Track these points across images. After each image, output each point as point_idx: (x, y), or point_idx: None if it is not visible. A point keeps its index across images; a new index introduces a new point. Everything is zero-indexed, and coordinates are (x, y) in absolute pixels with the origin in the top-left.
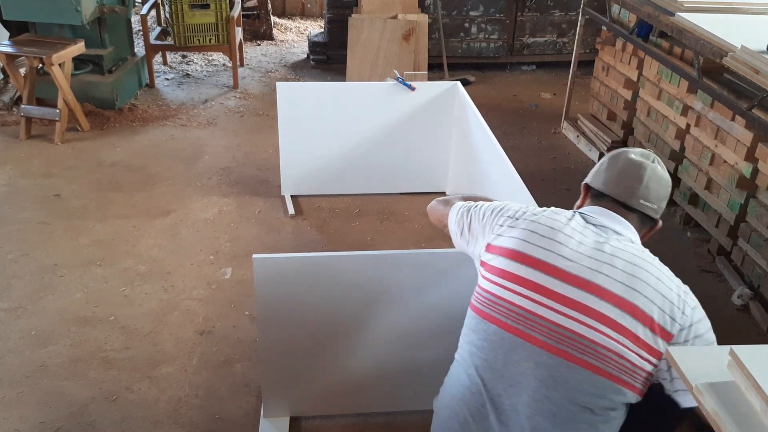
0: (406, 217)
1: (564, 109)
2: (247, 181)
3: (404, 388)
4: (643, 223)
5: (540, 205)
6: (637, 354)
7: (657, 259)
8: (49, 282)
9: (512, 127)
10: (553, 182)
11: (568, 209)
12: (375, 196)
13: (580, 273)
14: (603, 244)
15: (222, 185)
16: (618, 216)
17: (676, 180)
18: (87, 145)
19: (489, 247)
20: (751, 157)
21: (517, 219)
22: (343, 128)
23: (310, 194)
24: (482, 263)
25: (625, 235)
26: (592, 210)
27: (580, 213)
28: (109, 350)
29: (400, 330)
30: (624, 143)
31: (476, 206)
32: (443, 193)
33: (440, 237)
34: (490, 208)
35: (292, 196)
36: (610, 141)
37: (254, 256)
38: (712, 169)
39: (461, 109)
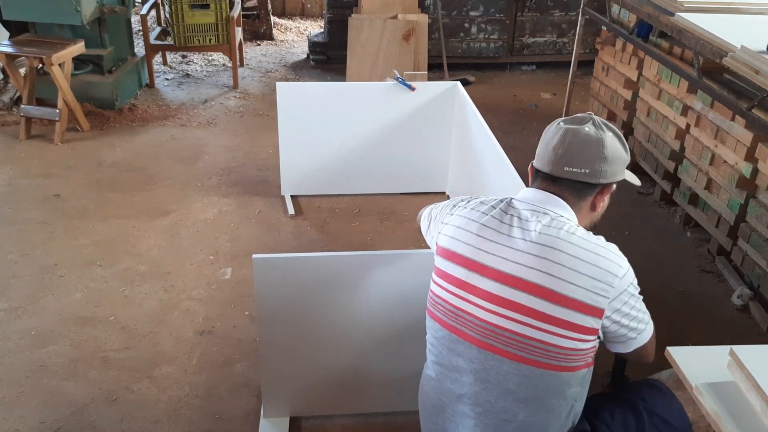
0: (406, 217)
1: (564, 109)
2: (247, 181)
3: (404, 388)
4: (582, 192)
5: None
6: (569, 338)
7: (579, 232)
8: (49, 282)
9: (512, 127)
10: None
11: None
12: (375, 196)
13: (499, 266)
14: (525, 232)
15: (222, 185)
16: (546, 193)
17: (675, 180)
18: (87, 145)
19: (437, 247)
20: (751, 157)
21: (451, 215)
22: (343, 128)
23: (310, 194)
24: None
25: (555, 213)
26: (523, 194)
27: (508, 200)
28: (109, 350)
29: (400, 330)
30: None
31: (435, 206)
32: (443, 194)
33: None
34: (441, 206)
35: (292, 196)
36: None
37: (254, 256)
38: (712, 169)
39: (461, 109)
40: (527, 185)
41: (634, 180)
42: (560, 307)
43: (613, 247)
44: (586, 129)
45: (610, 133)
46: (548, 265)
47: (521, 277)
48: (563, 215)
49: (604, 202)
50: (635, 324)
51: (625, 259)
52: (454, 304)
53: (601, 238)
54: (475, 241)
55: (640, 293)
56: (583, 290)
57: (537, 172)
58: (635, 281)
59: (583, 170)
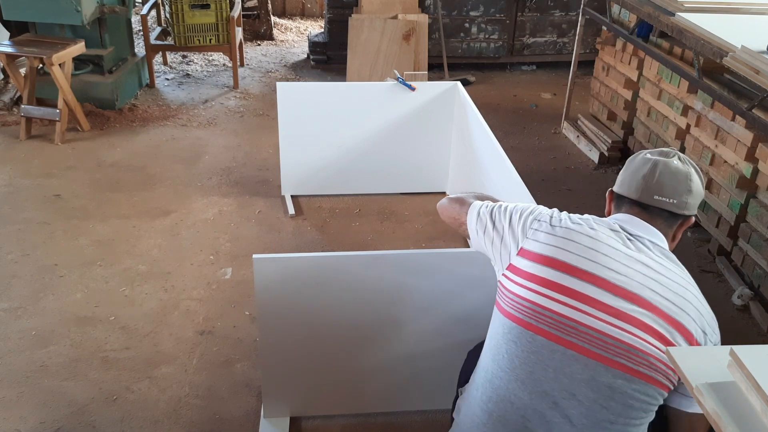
0: (406, 217)
1: (564, 109)
2: (248, 181)
3: (404, 388)
4: (669, 221)
5: (540, 205)
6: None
7: (681, 267)
8: (49, 282)
9: (512, 127)
10: (554, 182)
11: (569, 208)
12: (375, 196)
13: (628, 286)
14: (646, 258)
15: (222, 185)
16: (643, 222)
17: None
18: (87, 145)
19: (523, 252)
20: (751, 157)
21: (553, 226)
22: (343, 128)
23: (310, 194)
24: (513, 268)
25: (656, 243)
26: (620, 218)
27: (614, 222)
28: (109, 350)
29: (400, 330)
30: (624, 143)
31: (500, 207)
32: (443, 194)
33: (440, 237)
34: (519, 210)
35: (292, 196)
36: (610, 141)
37: (254, 256)
38: (712, 169)
39: (461, 109)
40: (527, 186)
41: (698, 217)
42: (681, 338)
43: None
44: (675, 162)
45: (693, 169)
46: (680, 300)
47: (654, 303)
48: (660, 244)
49: (680, 235)
50: None
51: None
52: (572, 317)
53: None
54: (598, 258)
55: None
56: (700, 332)
57: (621, 198)
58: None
59: (671, 200)
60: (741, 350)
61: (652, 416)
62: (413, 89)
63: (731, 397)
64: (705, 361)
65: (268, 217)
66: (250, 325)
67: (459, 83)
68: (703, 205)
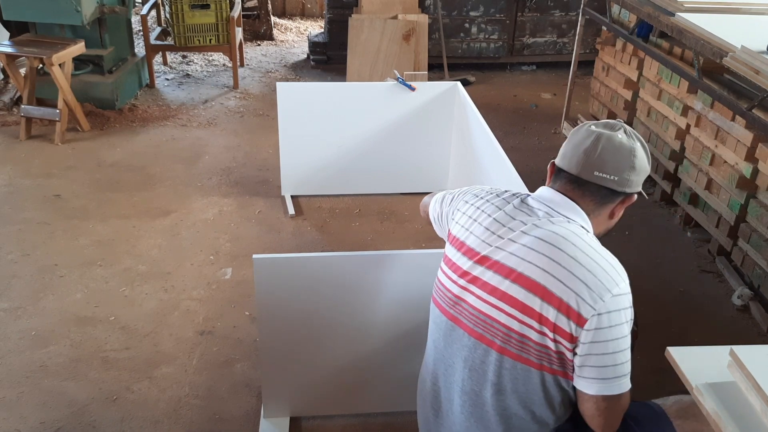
0: (406, 217)
1: (564, 109)
2: (247, 181)
3: (404, 388)
4: (607, 198)
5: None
6: (546, 335)
7: (587, 238)
8: (49, 282)
9: (512, 127)
10: None
11: None
12: (375, 196)
13: (503, 261)
14: (534, 228)
15: (222, 185)
16: (565, 198)
17: (676, 180)
18: (87, 145)
19: (448, 233)
20: (751, 157)
21: (466, 204)
22: (343, 128)
23: (310, 194)
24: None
25: (569, 218)
26: (541, 193)
27: (523, 197)
28: (109, 350)
29: (400, 330)
30: None
31: (449, 193)
32: None
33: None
34: (456, 193)
35: (292, 197)
36: None
37: (254, 256)
38: (712, 169)
39: (461, 109)
40: (527, 186)
41: (643, 193)
42: (550, 307)
43: (619, 266)
44: (619, 136)
45: (639, 144)
46: (546, 262)
47: (521, 272)
48: (576, 220)
49: (621, 212)
50: (612, 361)
51: (627, 283)
52: (451, 290)
53: (609, 252)
54: (483, 234)
55: (633, 338)
56: (572, 293)
57: (560, 172)
58: (631, 317)
59: (612, 177)
60: (741, 350)
61: (535, 399)
62: (413, 89)
63: (731, 397)
64: (705, 361)
65: (268, 217)
66: (250, 325)
67: (459, 83)
68: (703, 205)
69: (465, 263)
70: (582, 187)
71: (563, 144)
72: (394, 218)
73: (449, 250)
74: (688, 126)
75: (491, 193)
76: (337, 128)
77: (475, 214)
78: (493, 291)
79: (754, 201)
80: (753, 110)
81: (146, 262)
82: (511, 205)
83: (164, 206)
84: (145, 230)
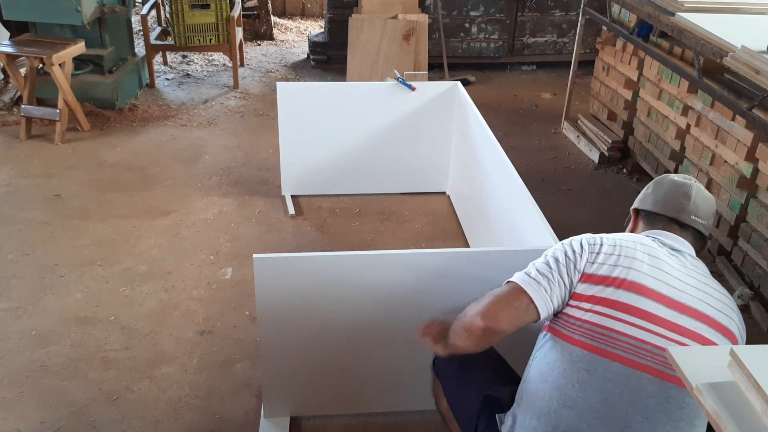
0: (406, 217)
1: (564, 109)
2: (248, 181)
3: (404, 388)
4: (698, 241)
5: (540, 205)
6: None
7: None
8: (49, 282)
9: (512, 127)
10: (554, 182)
11: (569, 208)
12: (375, 196)
13: (687, 302)
14: (692, 270)
15: (222, 185)
16: (679, 237)
17: None
18: (87, 145)
19: (586, 277)
20: (751, 157)
21: (610, 245)
22: (343, 128)
23: (310, 194)
24: (577, 295)
25: (693, 255)
26: (660, 234)
27: (654, 238)
28: (110, 350)
29: (400, 330)
30: (624, 143)
31: (541, 263)
32: (443, 194)
33: (440, 237)
34: (564, 247)
35: (292, 196)
36: (610, 141)
37: (254, 255)
38: (712, 169)
39: (461, 109)
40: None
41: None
42: (722, 336)
43: None
44: (703, 188)
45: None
46: (727, 309)
47: (711, 316)
48: (694, 256)
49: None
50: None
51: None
52: (644, 338)
53: None
54: (661, 276)
55: None
56: (735, 325)
57: (655, 216)
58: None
59: (703, 222)
60: (741, 350)
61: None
62: (413, 89)
63: (731, 397)
64: (705, 361)
65: (268, 217)
66: (250, 325)
67: (459, 83)
68: None
69: (639, 302)
70: (683, 230)
71: (646, 193)
72: (394, 218)
73: (607, 291)
74: (689, 126)
75: (610, 235)
76: (337, 128)
77: (626, 252)
78: (691, 335)
79: (755, 201)
80: (753, 110)
81: (146, 262)
82: (662, 247)
83: (164, 206)
84: (145, 230)
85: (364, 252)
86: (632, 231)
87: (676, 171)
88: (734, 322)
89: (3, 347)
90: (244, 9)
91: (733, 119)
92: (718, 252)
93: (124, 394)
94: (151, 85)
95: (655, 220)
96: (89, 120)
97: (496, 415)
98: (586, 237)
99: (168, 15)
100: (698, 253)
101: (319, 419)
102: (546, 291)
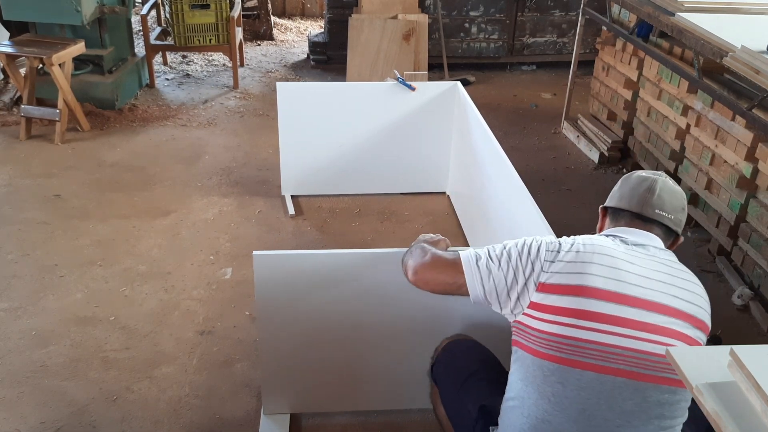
0: (406, 217)
1: (564, 109)
2: (247, 181)
3: (404, 386)
4: (665, 236)
5: (540, 205)
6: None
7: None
8: (49, 282)
9: (512, 127)
10: (553, 182)
11: (569, 208)
12: (375, 196)
13: (654, 298)
14: (657, 264)
15: (222, 185)
16: (643, 231)
17: (676, 180)
18: (87, 145)
19: (543, 287)
20: (751, 157)
21: (567, 252)
22: (343, 128)
23: (310, 194)
24: (536, 305)
25: (658, 247)
26: (619, 231)
27: (615, 236)
28: (110, 350)
29: (400, 329)
30: (624, 143)
31: (495, 251)
32: (443, 194)
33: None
34: (520, 246)
35: (292, 196)
36: (610, 141)
37: (254, 252)
38: (712, 169)
39: (461, 109)
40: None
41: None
42: (701, 333)
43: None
44: (670, 181)
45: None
46: (692, 296)
47: (676, 307)
48: (660, 247)
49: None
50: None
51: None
52: (614, 343)
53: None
54: (621, 276)
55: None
56: (705, 313)
57: (620, 212)
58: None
59: (670, 216)
60: (741, 350)
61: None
62: (413, 89)
63: (731, 397)
64: (705, 361)
65: (268, 217)
66: (250, 325)
67: (459, 83)
68: (703, 205)
69: (602, 307)
70: (648, 225)
71: (616, 190)
72: (394, 218)
73: (567, 300)
74: (688, 126)
75: (569, 238)
76: (337, 128)
77: (583, 257)
78: (651, 328)
79: (754, 201)
80: (753, 110)
81: (146, 262)
82: (620, 245)
83: (164, 206)
84: (145, 230)
85: (364, 250)
86: (600, 229)
87: (676, 171)
88: (703, 309)
89: (3, 347)
90: (244, 9)
91: (733, 119)
92: (718, 252)
93: (124, 394)
94: (151, 85)
95: (619, 216)
96: (89, 120)
97: (490, 427)
98: (546, 242)
99: (168, 15)
100: (670, 249)
101: (319, 417)
102: (483, 281)
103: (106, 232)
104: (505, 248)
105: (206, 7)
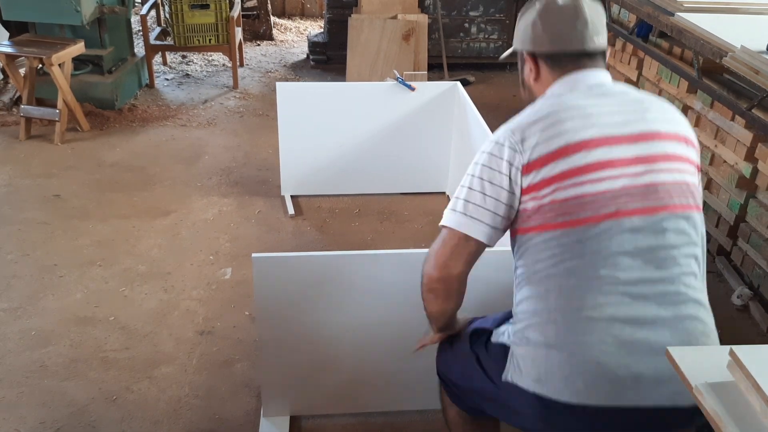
0: (406, 217)
1: None
2: (247, 181)
3: (404, 388)
4: (604, 59)
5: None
6: (695, 175)
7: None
8: (49, 282)
9: None
10: None
11: None
12: (375, 196)
13: (636, 129)
14: (619, 96)
15: (222, 185)
16: (593, 69)
17: None
18: (87, 145)
19: (527, 168)
20: (750, 157)
21: (528, 129)
22: (343, 128)
23: (310, 194)
24: (532, 187)
25: (612, 81)
26: (570, 80)
27: (573, 89)
28: (109, 350)
29: (399, 329)
30: None
31: (470, 185)
32: (443, 194)
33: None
34: (482, 167)
35: (292, 197)
36: None
37: (254, 255)
38: (711, 169)
39: (461, 109)
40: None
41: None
42: (689, 147)
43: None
44: None
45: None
46: (665, 113)
47: (658, 130)
48: (616, 82)
49: None
50: None
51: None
52: (610, 188)
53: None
54: (592, 120)
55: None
56: (689, 128)
57: (559, 58)
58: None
59: (604, 37)
60: (741, 350)
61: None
62: (413, 89)
63: (731, 397)
64: (705, 361)
65: (268, 217)
66: (250, 325)
67: (459, 83)
68: (703, 205)
69: (603, 154)
70: (593, 60)
71: (536, 32)
72: (394, 218)
73: (562, 164)
74: None
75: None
76: (337, 128)
77: (553, 121)
78: (651, 158)
79: (754, 201)
80: (753, 110)
81: (146, 262)
82: (577, 92)
83: (164, 206)
84: (145, 230)
85: (364, 252)
86: (536, 80)
87: None
88: (681, 123)
89: (3, 347)
90: (243, 9)
91: (733, 119)
92: (718, 252)
93: (123, 394)
94: (151, 85)
95: (561, 62)
96: (89, 120)
97: (490, 339)
98: (505, 136)
99: (167, 15)
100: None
101: (318, 418)
102: (482, 220)
103: (106, 232)
104: (474, 176)
105: (206, 7)
